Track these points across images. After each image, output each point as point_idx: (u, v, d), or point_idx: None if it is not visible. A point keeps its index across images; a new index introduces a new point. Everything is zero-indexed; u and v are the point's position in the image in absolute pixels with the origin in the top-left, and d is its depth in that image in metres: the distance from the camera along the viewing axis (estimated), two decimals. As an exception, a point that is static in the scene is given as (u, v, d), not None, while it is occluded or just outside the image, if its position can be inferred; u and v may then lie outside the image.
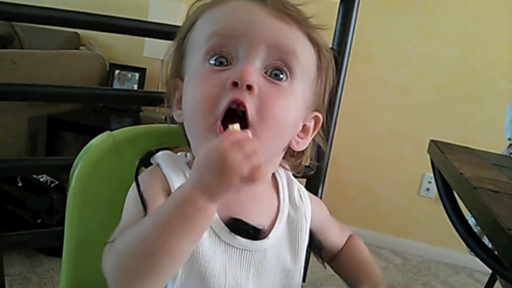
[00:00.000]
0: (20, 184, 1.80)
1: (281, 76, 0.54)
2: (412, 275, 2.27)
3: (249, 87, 0.50)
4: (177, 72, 0.60)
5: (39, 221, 1.77)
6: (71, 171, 0.65)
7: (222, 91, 0.51)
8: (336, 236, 0.69)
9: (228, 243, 0.54)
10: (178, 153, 0.60)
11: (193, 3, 0.59)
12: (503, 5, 2.22)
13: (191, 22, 0.58)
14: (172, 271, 0.46)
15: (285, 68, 0.54)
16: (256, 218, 0.56)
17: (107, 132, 0.67)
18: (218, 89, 0.51)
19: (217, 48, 0.53)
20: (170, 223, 0.43)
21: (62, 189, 1.83)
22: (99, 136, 0.66)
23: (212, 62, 0.53)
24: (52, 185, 1.84)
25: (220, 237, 0.53)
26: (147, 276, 0.44)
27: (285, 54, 0.53)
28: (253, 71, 0.51)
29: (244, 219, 0.55)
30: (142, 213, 0.49)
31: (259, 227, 0.56)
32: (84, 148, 0.65)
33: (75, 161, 0.65)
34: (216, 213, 0.53)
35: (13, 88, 0.82)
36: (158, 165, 0.57)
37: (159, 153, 0.58)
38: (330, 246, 0.68)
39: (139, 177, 0.55)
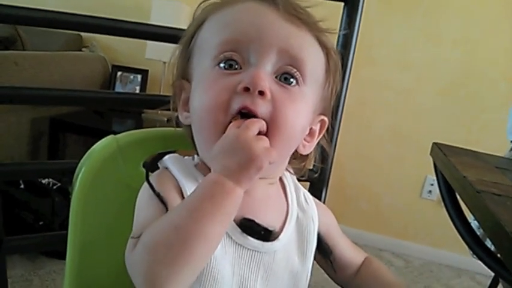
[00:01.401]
0: (22, 186, 1.81)
1: (291, 80, 0.53)
2: (413, 278, 2.27)
3: (261, 93, 0.49)
4: (184, 73, 0.59)
5: (41, 223, 1.77)
6: (74, 175, 0.65)
7: (232, 95, 0.50)
8: (347, 247, 0.67)
9: (239, 244, 0.54)
10: (185, 157, 0.60)
11: (199, 4, 0.58)
12: (506, 7, 2.22)
13: (198, 23, 0.57)
14: (207, 258, 0.47)
15: (295, 73, 0.53)
16: (267, 220, 0.56)
17: (111, 136, 0.66)
18: (228, 93, 0.50)
19: (228, 53, 0.52)
20: (202, 207, 0.45)
21: (64, 191, 1.83)
22: (103, 140, 0.65)
23: (222, 65, 0.52)
24: (54, 187, 1.85)
25: (231, 238, 0.53)
26: (183, 264, 0.43)
27: (296, 59, 0.53)
28: (265, 76, 0.50)
29: (256, 220, 0.55)
30: (162, 209, 0.49)
31: (270, 228, 0.56)
32: (88, 152, 0.65)
33: (79, 165, 0.65)
34: None
35: (16, 91, 0.82)
36: (167, 168, 0.56)
37: (167, 156, 0.58)
38: (341, 258, 0.66)
39: (150, 179, 0.55)
